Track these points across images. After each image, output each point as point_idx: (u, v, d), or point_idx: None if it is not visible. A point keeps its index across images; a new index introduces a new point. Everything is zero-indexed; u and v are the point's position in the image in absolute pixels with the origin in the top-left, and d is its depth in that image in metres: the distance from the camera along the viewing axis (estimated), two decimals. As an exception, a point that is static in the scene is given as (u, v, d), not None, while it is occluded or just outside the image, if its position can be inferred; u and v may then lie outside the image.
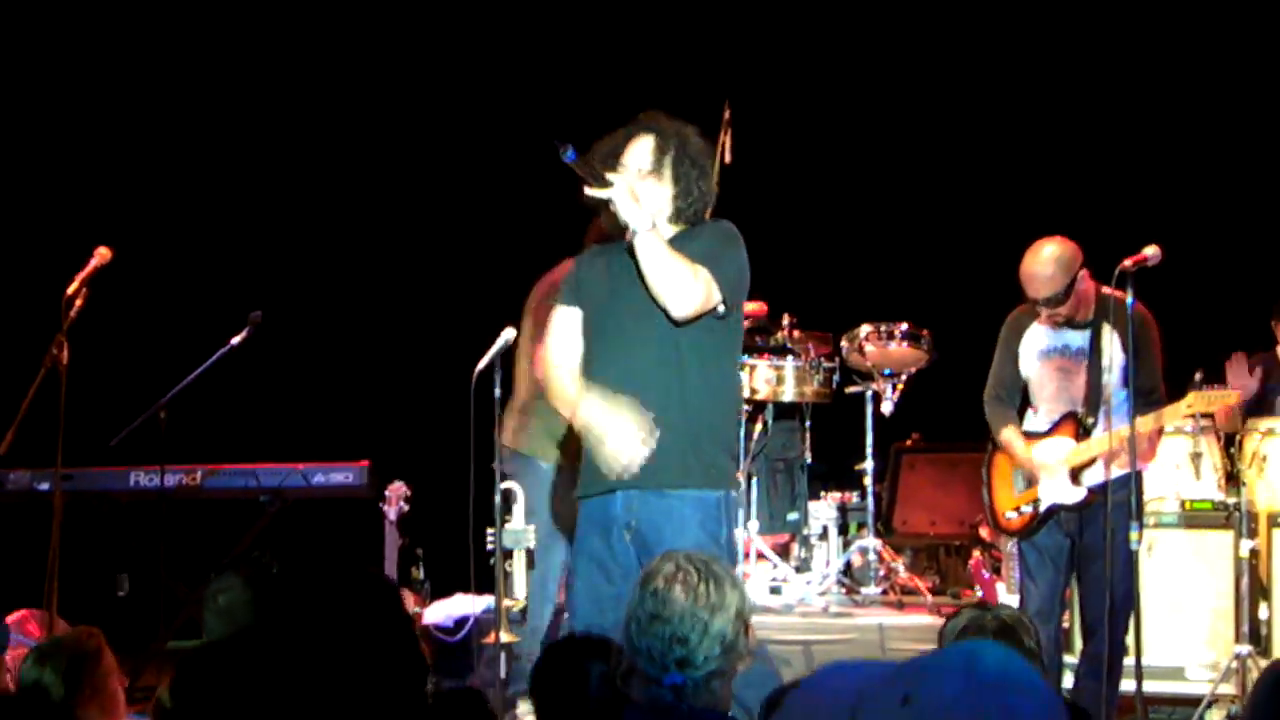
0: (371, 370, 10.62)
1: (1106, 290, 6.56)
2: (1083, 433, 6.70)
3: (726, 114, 8.60)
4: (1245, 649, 7.34)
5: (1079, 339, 6.75)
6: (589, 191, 5.26)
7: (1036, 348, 6.85)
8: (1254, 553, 7.57)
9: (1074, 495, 6.69)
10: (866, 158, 10.65)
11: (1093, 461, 6.63)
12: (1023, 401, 7.00)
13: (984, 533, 9.62)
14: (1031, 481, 6.84)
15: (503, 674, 7.57)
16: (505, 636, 8.12)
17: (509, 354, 8.04)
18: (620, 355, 5.26)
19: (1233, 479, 7.79)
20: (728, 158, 8.39)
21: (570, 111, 10.88)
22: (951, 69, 10.76)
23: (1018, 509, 6.90)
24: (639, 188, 5.23)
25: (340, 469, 8.80)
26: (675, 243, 5.23)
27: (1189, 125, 10.30)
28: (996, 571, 7.98)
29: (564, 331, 5.49)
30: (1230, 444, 8.01)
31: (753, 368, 8.79)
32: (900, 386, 9.28)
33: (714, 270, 5.17)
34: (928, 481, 10.41)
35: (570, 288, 5.55)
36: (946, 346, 8.98)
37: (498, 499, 8.23)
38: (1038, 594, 6.76)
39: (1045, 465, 6.73)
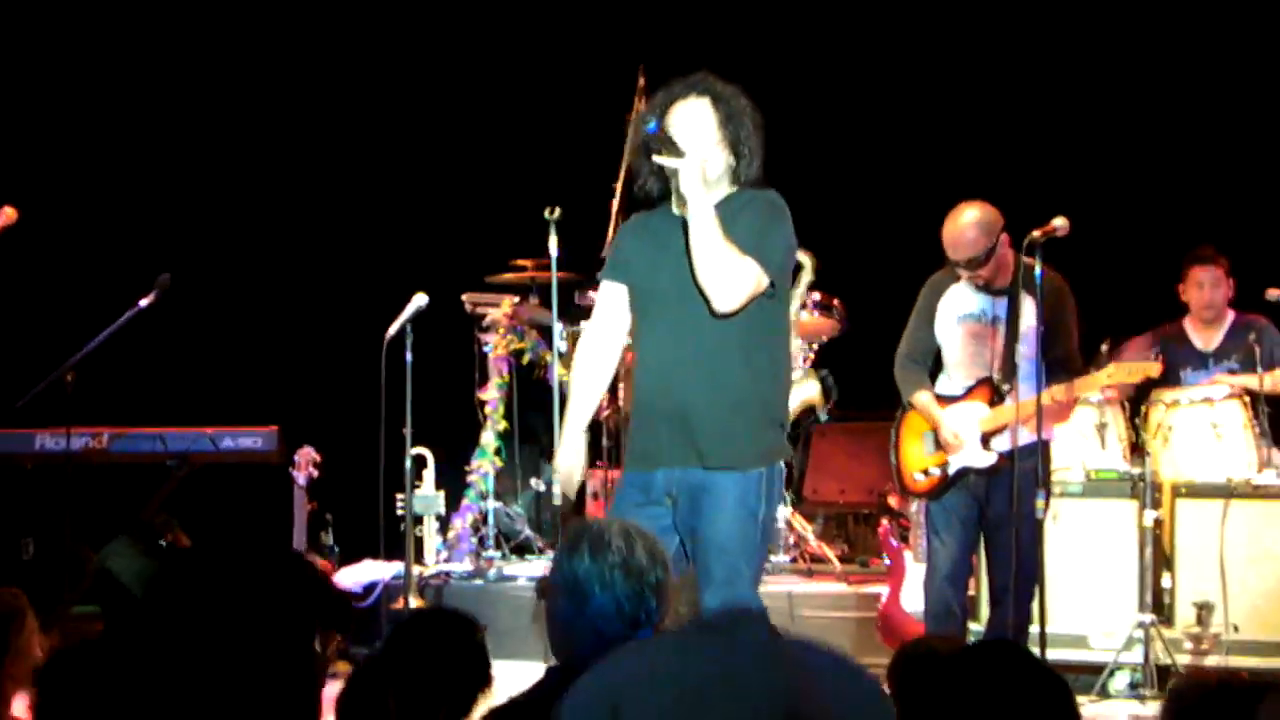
0: (281, 334, 10.55)
1: (1029, 260, 6.60)
2: (997, 398, 6.73)
3: (641, 80, 8.59)
4: (1148, 618, 7.42)
5: (997, 305, 6.79)
6: (659, 160, 5.13)
7: (955, 311, 6.88)
8: (1157, 523, 7.65)
9: (985, 459, 6.73)
10: (781, 123, 10.62)
11: (1005, 427, 6.67)
12: (934, 367, 7.03)
13: (893, 501, 9.67)
14: (941, 444, 6.87)
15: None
16: (415, 602, 8.11)
17: (419, 319, 8.02)
18: (670, 334, 5.21)
19: (1137, 450, 7.88)
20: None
21: (481, 79, 10.85)
22: (861, 32, 10.76)
23: (926, 470, 6.93)
24: (700, 159, 5.14)
25: (249, 433, 8.74)
26: (725, 211, 5.14)
27: (1102, 97, 10.37)
28: (904, 540, 8.03)
29: (605, 308, 5.41)
30: (1135, 415, 8.10)
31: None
32: (812, 356, 9.32)
33: (762, 255, 5.10)
34: (838, 450, 10.45)
35: (614, 262, 5.44)
36: (858, 316, 9.03)
37: (408, 464, 8.23)
38: (946, 556, 6.78)
39: (955, 428, 6.77)
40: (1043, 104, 10.42)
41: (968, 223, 6.68)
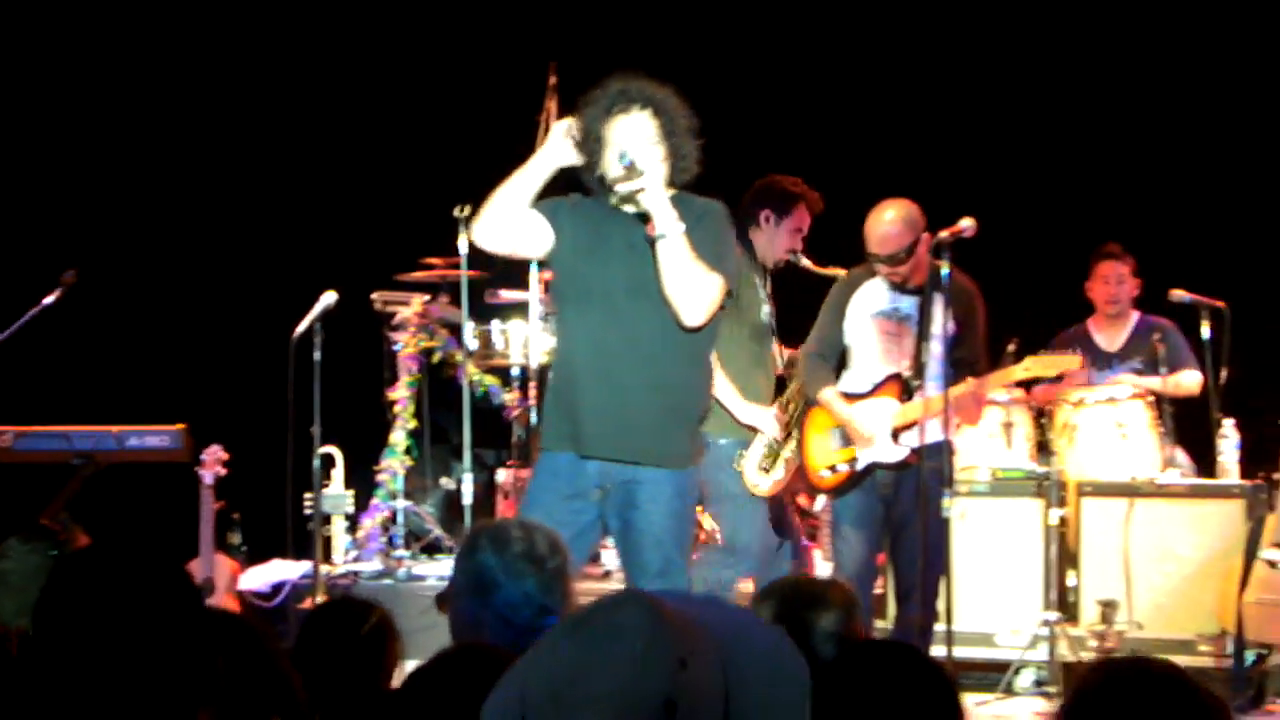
0: (188, 332, 10.45)
1: (940, 263, 6.67)
2: (907, 395, 6.78)
3: (552, 78, 8.57)
4: (1053, 615, 7.49)
5: (909, 304, 6.85)
6: (620, 187, 5.16)
7: (870, 308, 6.93)
8: (1063, 521, 7.73)
9: (895, 454, 6.78)
10: (699, 120, 10.65)
11: (915, 423, 6.70)
12: (838, 364, 7.07)
13: (802, 500, 9.71)
14: (849, 440, 6.89)
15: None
16: (323, 601, 8.07)
17: (328, 317, 7.97)
18: (610, 326, 5.25)
19: (1043, 448, 7.95)
20: (553, 123, 8.35)
21: (390, 76, 10.80)
22: (774, 34, 10.80)
23: (833, 467, 6.95)
24: (659, 171, 5.19)
25: (155, 432, 8.63)
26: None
27: (1011, 102, 10.45)
28: (813, 538, 8.07)
29: (531, 218, 5.34)
30: (1041, 414, 8.18)
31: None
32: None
33: (723, 268, 5.21)
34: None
35: (553, 214, 5.37)
36: (779, 316, 9.05)
37: (316, 463, 8.19)
38: (850, 556, 6.83)
39: (866, 423, 6.79)
40: (954, 107, 10.49)
41: (891, 218, 6.74)
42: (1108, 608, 7.57)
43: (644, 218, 5.20)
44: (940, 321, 6.72)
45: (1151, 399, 8.11)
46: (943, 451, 6.58)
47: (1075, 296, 8.61)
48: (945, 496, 6.39)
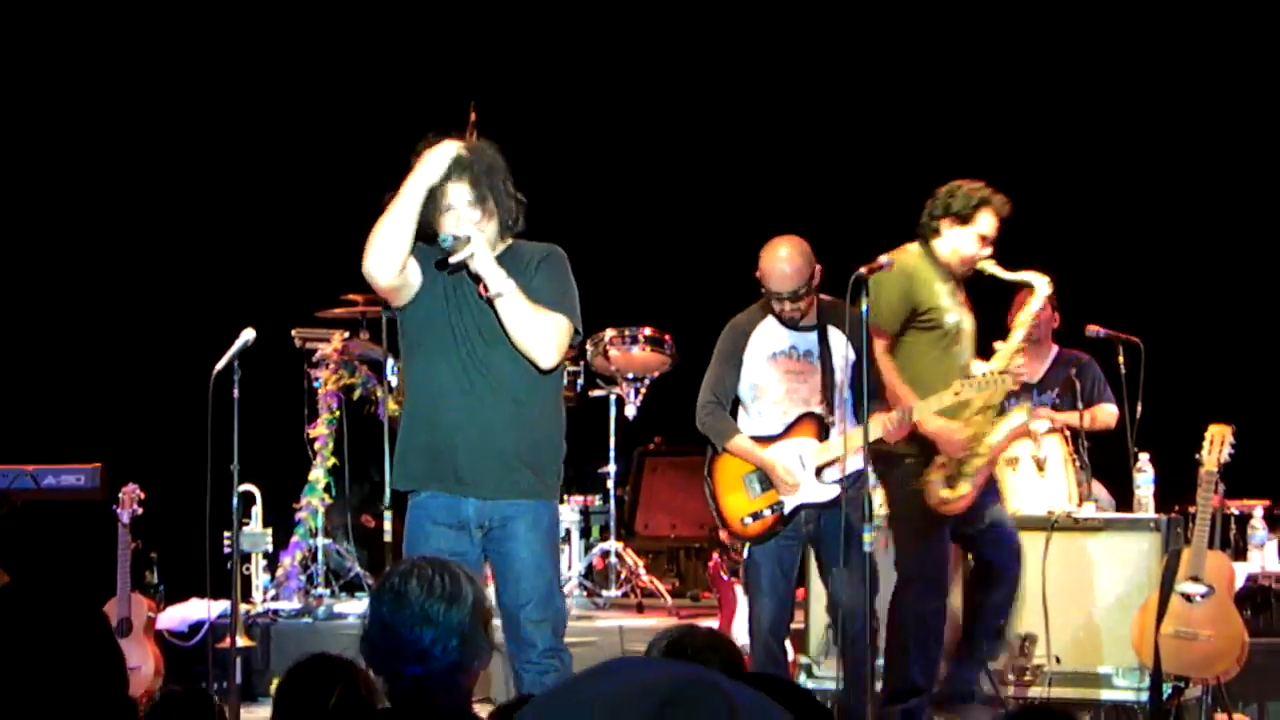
0: (105, 369, 10.37)
1: (825, 297, 6.74)
2: (823, 432, 6.73)
3: (472, 116, 8.57)
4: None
5: (807, 341, 6.79)
6: (453, 260, 5.38)
7: (767, 349, 6.81)
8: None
9: (824, 493, 6.69)
10: (610, 160, 10.70)
11: (838, 460, 6.61)
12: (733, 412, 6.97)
13: (723, 536, 9.73)
14: (767, 484, 6.82)
15: (238, 679, 7.45)
16: (241, 641, 8.00)
17: (247, 354, 7.93)
18: (470, 369, 5.45)
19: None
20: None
21: (311, 112, 10.77)
22: (690, 70, 10.86)
23: (755, 514, 6.83)
24: (482, 235, 5.40)
25: (71, 471, 8.57)
26: (513, 264, 5.44)
27: (922, 134, 10.54)
28: (735, 574, 8.07)
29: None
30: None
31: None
32: (644, 391, 9.36)
33: (567, 309, 5.46)
34: (669, 485, 10.49)
35: (421, 260, 5.53)
36: (689, 351, 9.08)
37: (235, 501, 8.11)
38: (767, 613, 6.74)
39: (790, 466, 6.72)
40: (872, 142, 10.57)
41: (791, 253, 6.68)
42: (1026, 642, 7.60)
43: (476, 279, 5.40)
44: (843, 353, 6.69)
45: (1068, 433, 8.18)
46: (863, 481, 6.59)
47: (997, 328, 8.66)
48: (866, 530, 6.37)
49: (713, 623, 8.01)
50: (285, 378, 9.49)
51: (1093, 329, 8.41)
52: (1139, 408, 8.18)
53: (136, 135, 10.61)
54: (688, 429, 9.65)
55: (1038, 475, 8.09)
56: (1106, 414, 8.43)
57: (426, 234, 5.50)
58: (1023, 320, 7.00)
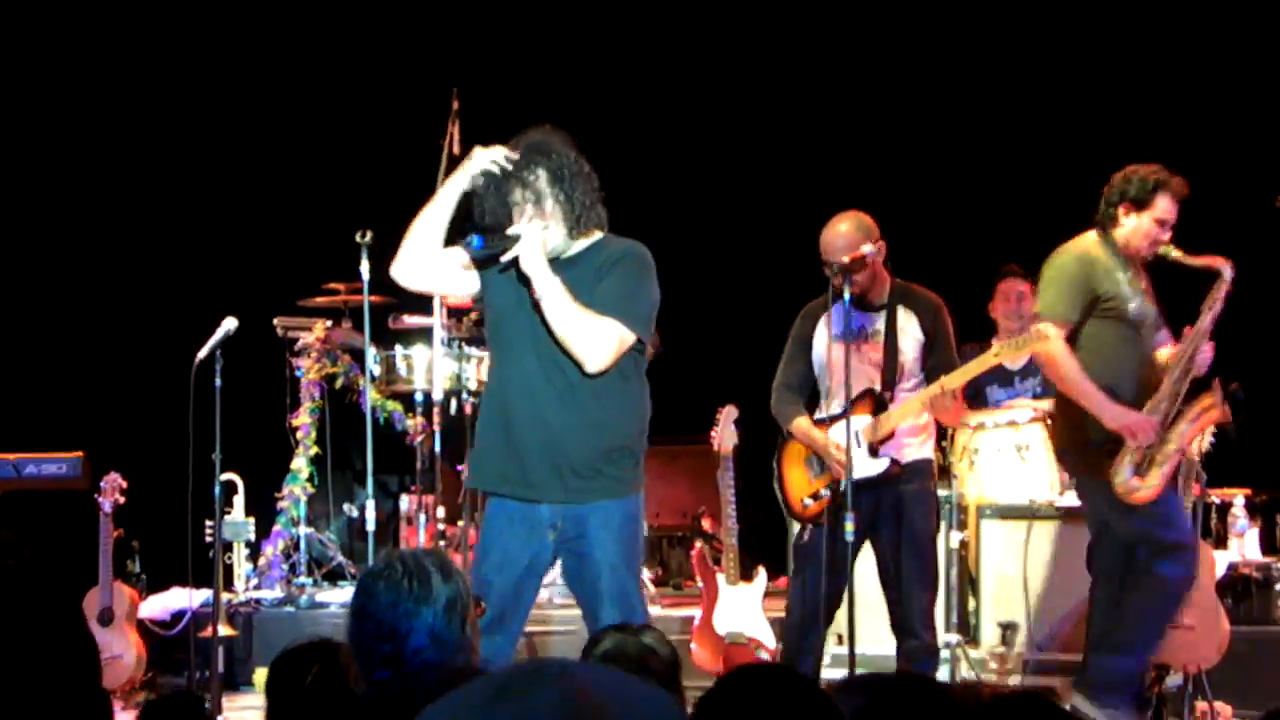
0: (87, 358, 10.35)
1: (900, 281, 6.73)
2: (879, 408, 6.68)
3: (455, 104, 8.57)
4: (954, 638, 7.55)
5: (875, 321, 6.76)
6: (503, 259, 5.31)
7: (837, 331, 6.66)
8: (963, 544, 7.79)
9: (874, 467, 6.65)
10: (593, 146, 10.68)
11: (892, 433, 6.63)
12: (813, 396, 6.96)
13: (706, 524, 9.75)
14: (826, 466, 6.76)
15: (220, 668, 7.45)
16: (224, 630, 8.00)
17: (230, 343, 7.92)
18: (539, 370, 5.39)
19: (944, 472, 8.00)
20: (456, 148, 8.36)
21: (292, 101, 10.75)
22: (668, 62, 10.86)
23: (815, 495, 6.81)
24: (537, 235, 5.29)
25: (53, 460, 8.56)
26: (588, 266, 5.37)
27: (916, 125, 10.56)
28: (717, 562, 8.08)
29: (449, 255, 5.49)
30: (943, 437, 8.24)
31: (479, 359, 8.77)
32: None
33: (627, 315, 5.33)
34: (651, 474, 10.27)
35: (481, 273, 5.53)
36: (671, 340, 9.07)
37: (217, 490, 8.11)
38: (817, 594, 6.62)
39: (840, 444, 6.55)
40: (852, 131, 10.58)
41: (845, 223, 6.64)
42: (1008, 630, 7.63)
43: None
44: (911, 335, 6.70)
45: (1049, 422, 8.19)
46: (925, 472, 6.67)
47: (978, 319, 8.68)
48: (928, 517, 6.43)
49: (694, 612, 8.02)
50: (267, 367, 9.49)
51: (1075, 317, 8.45)
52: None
53: (120, 123, 10.59)
54: (670, 417, 9.68)
55: (1019, 463, 8.11)
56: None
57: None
58: (1209, 305, 6.87)
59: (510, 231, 5.29)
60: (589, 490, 5.40)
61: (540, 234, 5.29)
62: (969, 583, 7.89)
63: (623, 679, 1.97)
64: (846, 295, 6.46)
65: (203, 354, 7.70)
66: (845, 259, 6.50)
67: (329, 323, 9.38)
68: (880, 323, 6.76)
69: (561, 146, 5.42)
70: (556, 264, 5.32)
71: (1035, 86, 10.44)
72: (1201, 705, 7.12)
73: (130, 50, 10.59)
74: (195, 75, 10.65)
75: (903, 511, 6.64)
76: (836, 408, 6.72)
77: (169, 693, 6.76)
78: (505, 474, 5.48)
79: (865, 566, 6.70)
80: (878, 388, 6.71)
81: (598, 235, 5.45)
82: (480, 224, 5.38)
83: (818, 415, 6.86)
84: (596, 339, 5.27)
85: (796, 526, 7.06)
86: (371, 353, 8.54)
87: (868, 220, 6.70)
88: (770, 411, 7.01)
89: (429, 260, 5.47)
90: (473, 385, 8.73)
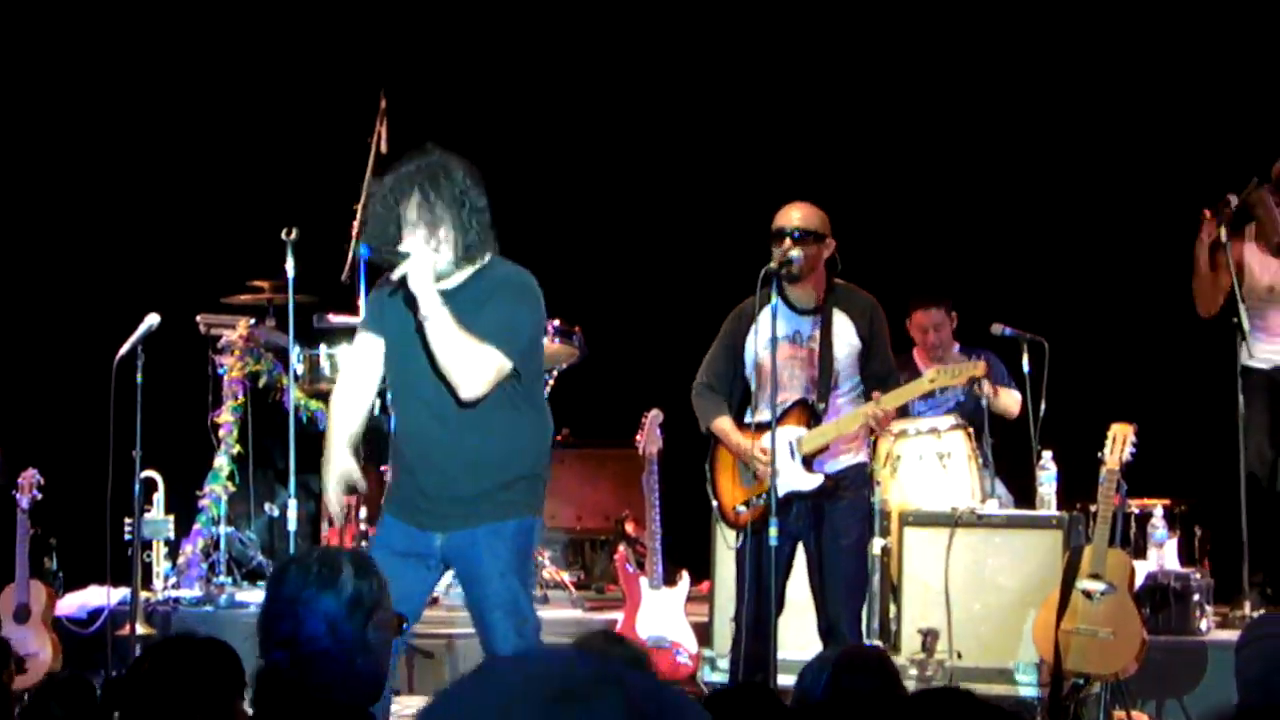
0: (4, 353, 10.23)
1: (839, 281, 6.66)
2: (813, 420, 6.57)
3: (382, 103, 8.54)
4: (876, 644, 7.55)
5: (810, 326, 6.64)
6: (394, 275, 5.40)
7: (767, 335, 6.52)
8: (885, 551, 7.80)
9: (810, 482, 6.53)
10: (522, 148, 10.66)
11: (826, 447, 6.56)
12: (744, 398, 6.81)
13: (629, 528, 9.74)
14: (758, 472, 6.61)
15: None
16: (141, 629, 7.93)
17: (151, 339, 7.85)
18: (425, 407, 5.50)
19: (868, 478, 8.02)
20: (384, 148, 8.33)
21: (219, 97, 10.67)
22: (593, 63, 10.84)
23: (748, 502, 6.67)
24: (428, 255, 5.36)
25: (-31, 456, 8.46)
26: (474, 292, 5.43)
27: (832, 135, 10.59)
28: (640, 566, 8.08)
29: (361, 358, 5.69)
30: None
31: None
32: (551, 382, 9.33)
33: (506, 344, 5.37)
34: (575, 477, 10.46)
35: (372, 316, 5.73)
36: (596, 344, 9.07)
37: (137, 488, 8.05)
38: (755, 603, 6.52)
39: (762, 454, 6.47)
40: (768, 140, 10.61)
41: (809, 204, 6.60)
42: (928, 637, 7.65)
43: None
44: (846, 340, 6.60)
45: (970, 430, 8.24)
46: (859, 480, 6.65)
47: (896, 333, 8.71)
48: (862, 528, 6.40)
49: (617, 615, 8.02)
50: (189, 364, 9.40)
51: (998, 327, 8.51)
52: (1043, 406, 8.28)
53: (40, 116, 10.48)
54: (595, 421, 9.70)
55: (941, 471, 8.14)
56: (1010, 399, 8.52)
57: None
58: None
59: (401, 248, 5.36)
60: (478, 515, 5.48)
61: (431, 255, 5.36)
62: (891, 589, 7.91)
63: (674, 692, 2.00)
64: (775, 300, 6.41)
65: (124, 350, 7.64)
66: (802, 226, 6.50)
67: (252, 320, 9.31)
68: (815, 328, 6.63)
69: (463, 172, 5.45)
70: (442, 291, 5.38)
71: (955, 81, 10.49)
72: (1119, 714, 7.17)
73: (53, 43, 10.49)
74: (119, 69, 10.55)
75: (835, 521, 6.56)
76: (770, 414, 6.50)
77: (61, 677, 6.71)
78: (404, 501, 5.63)
79: (795, 571, 6.69)
80: (812, 397, 6.60)
81: (485, 259, 5.50)
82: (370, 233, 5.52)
83: (747, 419, 6.72)
84: (474, 366, 5.34)
85: (726, 531, 7.04)
86: (295, 351, 8.48)
87: (826, 217, 6.65)
88: (694, 413, 6.88)
89: (369, 387, 5.70)
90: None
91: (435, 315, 5.30)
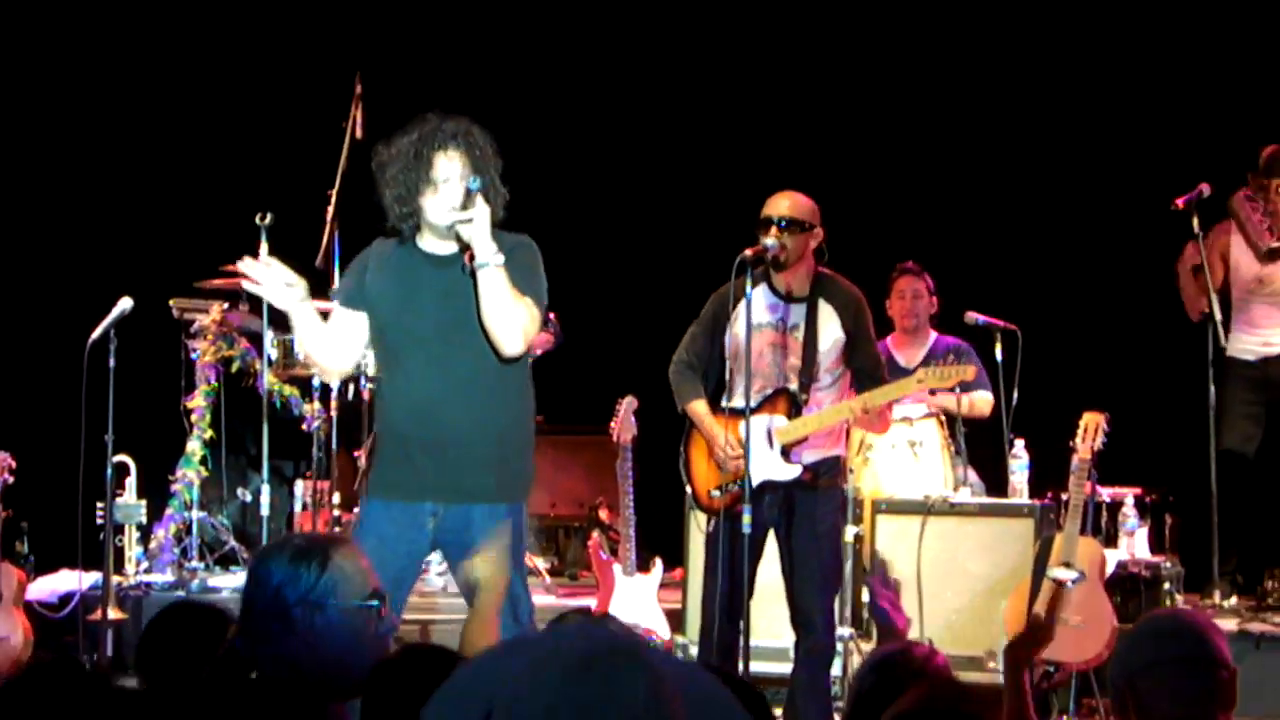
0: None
1: (825, 271, 6.60)
2: (795, 410, 6.50)
3: (358, 88, 8.51)
4: (848, 632, 7.58)
5: (795, 314, 6.55)
6: (453, 216, 5.35)
7: (753, 320, 6.37)
8: (858, 538, 7.83)
9: (788, 472, 6.47)
10: (497, 132, 10.63)
11: (806, 439, 6.49)
12: (719, 383, 6.69)
13: (603, 514, 9.76)
14: (720, 459, 6.53)
15: (109, 651, 7.37)
16: (113, 613, 7.91)
17: (124, 323, 7.83)
18: (430, 370, 5.44)
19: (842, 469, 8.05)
20: (359, 133, 8.31)
21: (193, 80, 10.64)
22: (569, 48, 10.84)
23: (722, 487, 6.57)
24: (486, 206, 5.33)
25: (-60, 439, 8.43)
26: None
27: (818, 122, 10.60)
28: (614, 553, 8.09)
29: (341, 330, 5.60)
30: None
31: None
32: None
33: (536, 296, 5.41)
34: (549, 463, 10.42)
35: (353, 290, 5.62)
36: (572, 330, 9.07)
37: (109, 472, 8.03)
38: (725, 590, 6.43)
39: (734, 441, 6.43)
40: (743, 126, 10.62)
41: (797, 193, 6.52)
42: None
43: (463, 250, 5.37)
44: (831, 331, 6.52)
45: (944, 418, 8.27)
46: (835, 472, 6.58)
47: (877, 316, 8.73)
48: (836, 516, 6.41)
49: (590, 601, 8.03)
50: (162, 348, 9.37)
51: (971, 316, 8.54)
52: (1015, 394, 8.31)
53: (12, 99, 10.43)
54: (569, 407, 9.69)
55: (913, 459, 8.17)
56: (983, 402, 8.55)
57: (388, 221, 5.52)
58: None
59: (473, 186, 5.32)
60: (473, 491, 5.42)
61: (488, 214, 5.33)
62: (863, 576, 7.94)
63: (692, 669, 2.02)
64: (750, 288, 6.28)
65: (97, 334, 7.62)
66: (788, 215, 6.44)
67: (226, 305, 9.28)
68: (800, 317, 6.54)
69: (493, 146, 5.51)
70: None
71: (929, 68, 10.51)
72: (1089, 701, 7.21)
73: (26, 26, 10.44)
74: (93, 52, 10.51)
75: (810, 510, 6.49)
76: (750, 400, 6.36)
77: (46, 660, 6.67)
78: (396, 483, 5.54)
79: (766, 557, 6.66)
80: (793, 387, 6.51)
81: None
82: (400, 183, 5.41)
83: (723, 404, 6.59)
84: (520, 319, 5.33)
85: (699, 517, 7.02)
86: (269, 336, 8.45)
87: (815, 205, 6.59)
88: (670, 400, 6.78)
89: (339, 347, 5.59)
90: (371, 371, 8.66)
91: (495, 263, 5.26)
